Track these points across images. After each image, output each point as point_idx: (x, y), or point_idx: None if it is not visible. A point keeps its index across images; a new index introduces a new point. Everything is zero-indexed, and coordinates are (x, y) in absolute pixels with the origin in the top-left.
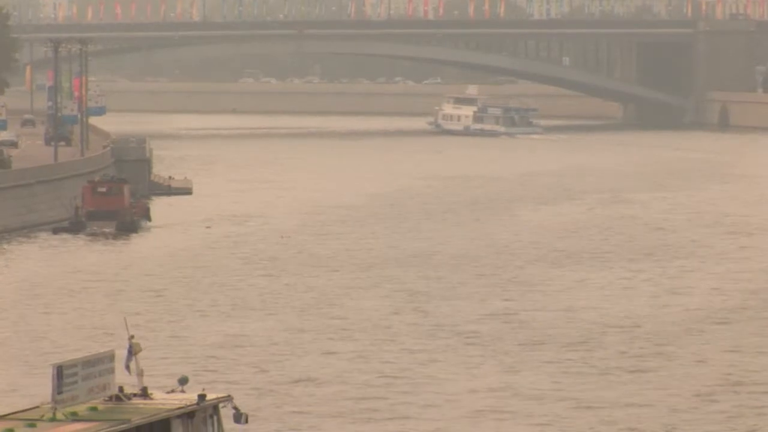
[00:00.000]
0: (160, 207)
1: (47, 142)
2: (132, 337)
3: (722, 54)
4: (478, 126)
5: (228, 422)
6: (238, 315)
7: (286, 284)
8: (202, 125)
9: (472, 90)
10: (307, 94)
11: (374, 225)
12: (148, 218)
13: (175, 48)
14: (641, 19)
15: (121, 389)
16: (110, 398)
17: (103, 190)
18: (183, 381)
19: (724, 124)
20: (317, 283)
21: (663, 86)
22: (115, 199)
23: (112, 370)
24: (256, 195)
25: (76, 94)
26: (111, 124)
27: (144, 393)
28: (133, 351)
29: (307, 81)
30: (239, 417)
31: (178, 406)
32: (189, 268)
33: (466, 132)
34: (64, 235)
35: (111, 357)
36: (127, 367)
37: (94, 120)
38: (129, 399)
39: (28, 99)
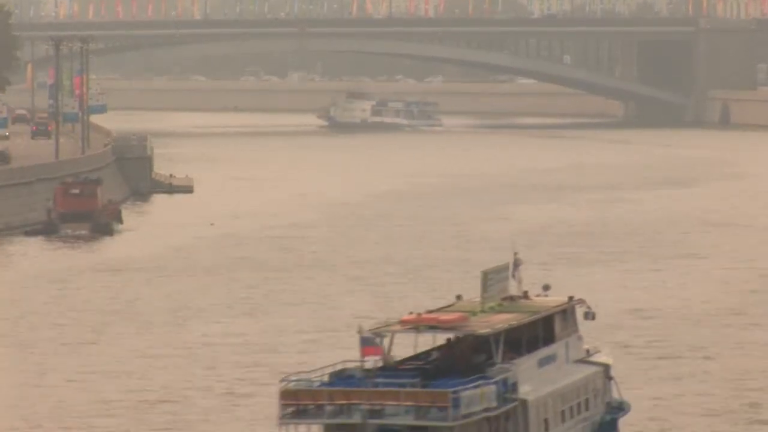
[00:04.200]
0: (158, 207)
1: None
2: (516, 253)
3: (723, 52)
4: (378, 119)
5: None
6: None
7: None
8: (203, 123)
9: (363, 85)
10: (307, 91)
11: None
12: (120, 221)
13: (176, 46)
14: (642, 17)
15: (526, 293)
16: (505, 298)
17: (76, 191)
18: (546, 287)
19: (725, 122)
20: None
21: (664, 84)
22: (87, 200)
23: (507, 278)
24: (256, 194)
25: (77, 92)
26: (112, 122)
27: (525, 296)
28: (517, 264)
29: (309, 79)
30: (589, 315)
31: (557, 303)
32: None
33: (364, 125)
34: (38, 238)
35: (507, 267)
36: (513, 276)
37: (95, 118)
38: (517, 300)
39: (29, 97)
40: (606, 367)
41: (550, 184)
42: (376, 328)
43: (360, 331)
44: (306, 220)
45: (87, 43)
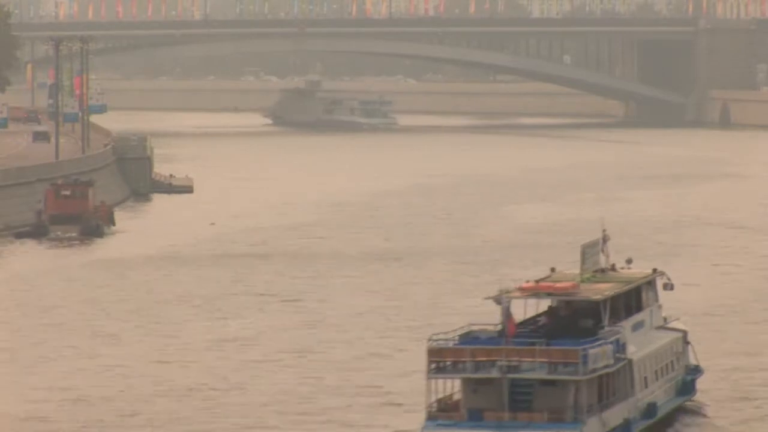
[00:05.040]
0: (156, 207)
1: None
2: (605, 230)
3: (723, 52)
4: (331, 117)
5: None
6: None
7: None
8: (203, 123)
9: (309, 83)
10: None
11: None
12: (113, 223)
13: (176, 46)
14: (642, 18)
15: (613, 265)
16: (597, 270)
17: (67, 193)
18: (629, 261)
19: (725, 123)
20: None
21: (664, 84)
22: (78, 202)
23: (599, 252)
24: (256, 194)
25: (77, 92)
26: (112, 122)
27: (613, 268)
28: (605, 240)
29: (308, 79)
30: (668, 286)
31: (645, 275)
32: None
33: (318, 123)
34: (28, 240)
35: (598, 242)
36: (602, 250)
37: (95, 118)
38: (607, 272)
39: (29, 97)
40: (684, 333)
41: (552, 183)
42: (497, 295)
43: (500, 295)
44: (344, 217)
45: (87, 43)
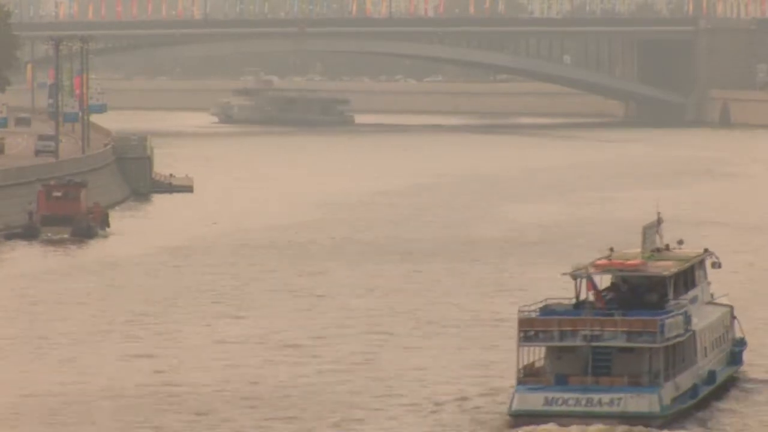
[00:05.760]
0: (154, 208)
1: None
2: (659, 213)
3: (723, 52)
4: (285, 115)
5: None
6: None
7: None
8: (203, 123)
9: (253, 82)
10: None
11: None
12: (107, 224)
13: (176, 46)
14: (642, 17)
15: (667, 245)
16: (653, 250)
17: (59, 194)
18: (680, 242)
19: (725, 122)
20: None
21: (664, 84)
22: (71, 203)
23: (656, 233)
24: (256, 194)
25: (77, 92)
26: (112, 121)
27: (667, 248)
28: (660, 221)
29: (308, 79)
30: (716, 264)
31: (697, 254)
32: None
33: (271, 121)
34: (18, 241)
35: (655, 224)
36: (657, 233)
37: (95, 118)
38: (662, 251)
39: (29, 97)
40: (731, 308)
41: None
42: (574, 270)
43: (579, 271)
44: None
45: (87, 43)
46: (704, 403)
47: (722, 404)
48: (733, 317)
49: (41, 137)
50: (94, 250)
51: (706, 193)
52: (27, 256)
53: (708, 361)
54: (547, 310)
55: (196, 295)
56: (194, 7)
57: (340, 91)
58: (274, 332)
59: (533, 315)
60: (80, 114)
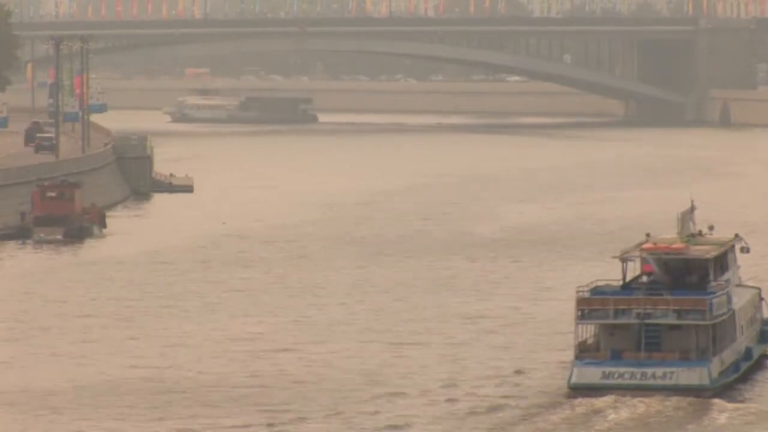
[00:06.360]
0: (154, 208)
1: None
2: (693, 201)
3: (723, 51)
4: (246, 114)
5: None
6: None
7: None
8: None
9: (213, 82)
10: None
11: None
12: (104, 225)
13: (176, 46)
14: (642, 17)
15: (700, 231)
16: (688, 235)
17: (53, 194)
18: (711, 228)
19: (725, 122)
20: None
21: (664, 84)
22: (65, 204)
23: (690, 219)
24: (256, 194)
25: (77, 91)
26: (112, 121)
27: (700, 233)
28: (693, 209)
29: (311, 78)
30: (745, 249)
31: (729, 239)
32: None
33: (231, 120)
34: (9, 242)
35: (690, 211)
36: (691, 220)
37: (95, 117)
38: (696, 236)
39: (29, 96)
40: (759, 290)
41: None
42: (625, 253)
43: (632, 254)
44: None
45: (87, 43)
46: (744, 377)
47: (760, 377)
48: (761, 298)
49: (40, 137)
50: (84, 250)
51: (706, 192)
52: (13, 258)
53: (745, 339)
54: (598, 291)
55: (186, 295)
56: (194, 6)
57: (340, 91)
58: (279, 329)
59: (590, 295)
60: (80, 113)
